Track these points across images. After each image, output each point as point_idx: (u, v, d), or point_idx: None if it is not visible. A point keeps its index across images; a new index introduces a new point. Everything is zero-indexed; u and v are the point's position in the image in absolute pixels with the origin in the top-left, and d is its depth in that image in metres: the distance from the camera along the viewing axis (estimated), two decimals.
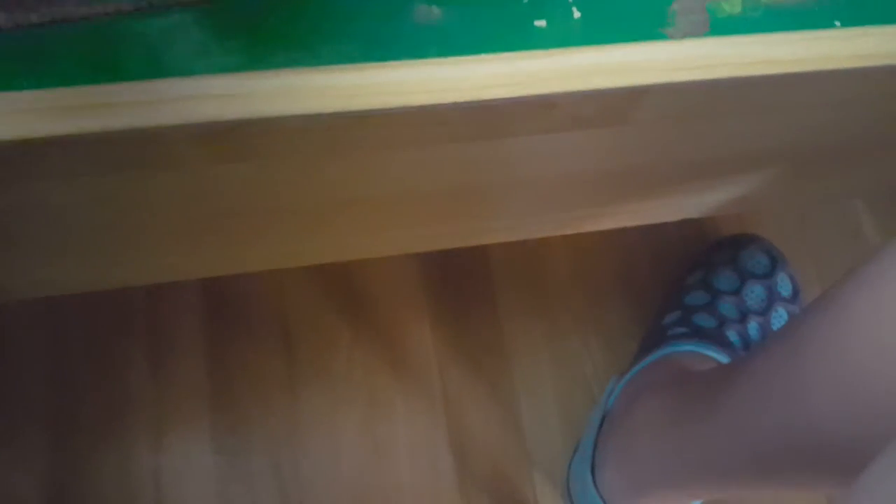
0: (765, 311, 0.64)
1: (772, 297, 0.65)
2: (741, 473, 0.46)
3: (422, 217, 0.33)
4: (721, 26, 0.26)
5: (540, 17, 0.25)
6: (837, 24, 0.26)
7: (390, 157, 0.27)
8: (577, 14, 0.25)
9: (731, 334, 0.63)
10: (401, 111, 0.24)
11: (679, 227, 0.71)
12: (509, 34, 0.25)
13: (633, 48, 0.25)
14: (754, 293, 0.65)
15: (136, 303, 0.63)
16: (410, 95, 0.24)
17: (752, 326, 0.64)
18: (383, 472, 0.61)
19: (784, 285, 0.65)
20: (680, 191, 0.35)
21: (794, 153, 0.33)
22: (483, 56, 0.25)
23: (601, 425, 0.60)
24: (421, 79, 0.24)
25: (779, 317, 0.64)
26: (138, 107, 0.22)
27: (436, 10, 0.25)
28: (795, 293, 0.66)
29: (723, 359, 0.60)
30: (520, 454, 0.63)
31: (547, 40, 0.25)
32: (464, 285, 0.67)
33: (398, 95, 0.24)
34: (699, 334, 0.62)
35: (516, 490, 0.62)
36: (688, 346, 0.61)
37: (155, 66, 0.23)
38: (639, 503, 0.55)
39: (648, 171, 0.32)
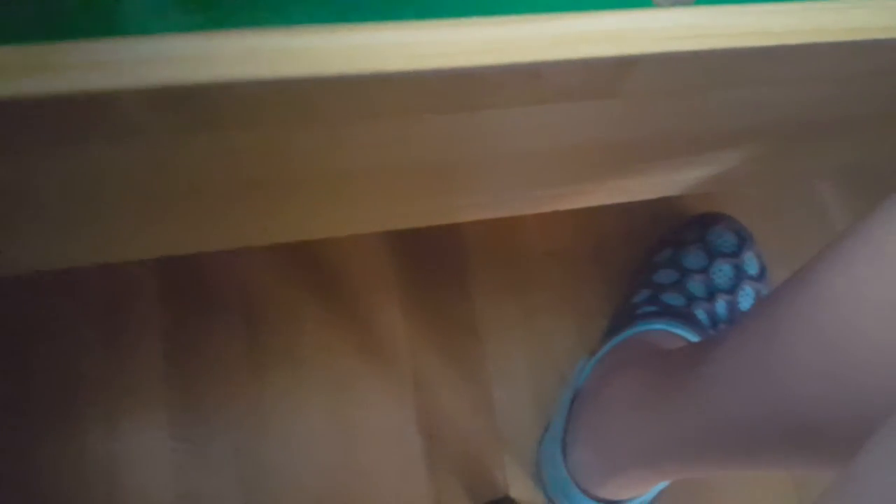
0: (732, 290, 0.64)
1: (739, 276, 0.65)
2: (714, 451, 0.46)
3: (396, 193, 0.32)
4: None
5: None
6: None
7: (365, 129, 0.25)
8: None
9: (700, 312, 0.63)
10: (377, 77, 0.22)
11: (649, 206, 0.71)
12: None
13: (622, 16, 0.24)
14: (722, 272, 0.65)
15: (89, 281, 0.60)
16: (387, 61, 0.22)
17: (720, 304, 0.64)
18: (350, 457, 0.60)
19: (751, 264, 0.65)
20: (662, 168, 0.34)
21: (780, 129, 0.32)
22: (465, 20, 0.23)
23: (572, 404, 0.59)
24: (398, 43, 0.22)
25: (746, 295, 0.65)
26: (86, 69, 0.20)
27: None
28: (762, 272, 0.66)
29: (692, 337, 0.60)
30: (491, 436, 0.62)
31: (531, 5, 0.24)
32: (435, 265, 0.66)
33: (374, 61, 0.22)
34: (668, 313, 0.61)
35: (486, 471, 0.61)
36: (657, 325, 0.60)
37: (106, 25, 0.21)
38: (609, 482, 0.55)
39: (633, 147, 0.31)
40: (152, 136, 0.23)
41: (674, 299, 0.63)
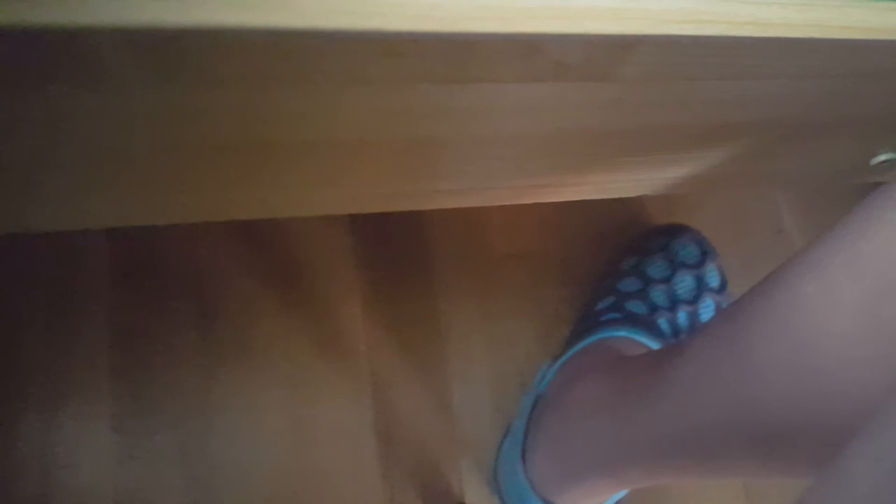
0: (694, 301, 0.65)
1: (701, 288, 0.65)
2: (677, 458, 0.46)
3: (377, 171, 0.30)
4: None
5: None
6: None
7: (354, 95, 0.24)
8: None
9: (662, 322, 0.63)
10: (374, 36, 0.21)
11: (614, 214, 0.71)
12: None
13: None
14: (684, 283, 0.65)
15: (35, 252, 0.57)
16: (386, 19, 0.21)
17: (682, 315, 0.64)
18: (302, 455, 0.58)
19: (713, 276, 0.66)
20: (646, 164, 0.34)
21: (764, 129, 0.32)
22: None
23: (533, 410, 0.58)
24: (400, 2, 0.21)
25: (707, 307, 0.65)
26: (59, 1, 0.19)
27: None
28: (723, 285, 0.67)
29: (654, 345, 0.60)
30: (448, 439, 0.61)
31: None
32: (400, 263, 0.64)
33: (373, 18, 0.21)
34: (631, 320, 0.61)
35: (442, 476, 0.60)
36: (621, 332, 0.60)
37: None
38: (568, 490, 0.54)
39: (620, 139, 0.30)
40: (125, 84, 0.22)
41: (637, 307, 0.63)
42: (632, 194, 0.38)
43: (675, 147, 0.32)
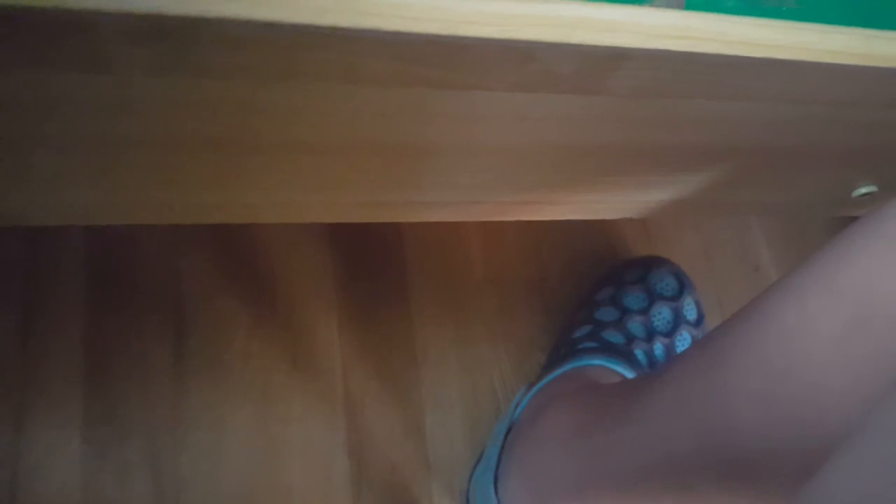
0: (670, 333, 0.65)
1: (678, 320, 0.66)
2: (650, 486, 0.46)
3: (359, 178, 0.30)
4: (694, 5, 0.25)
5: None
6: None
7: (345, 94, 0.24)
8: None
9: (639, 352, 0.63)
10: (370, 35, 0.22)
11: (592, 244, 0.72)
12: None
13: (619, 9, 0.24)
14: (662, 315, 0.66)
15: (11, 249, 0.56)
16: (384, 19, 0.21)
17: (658, 346, 0.64)
18: (272, 473, 0.57)
19: (690, 310, 0.66)
20: (630, 185, 0.34)
21: (748, 153, 0.32)
22: None
23: (506, 436, 0.58)
24: (399, 3, 0.22)
25: (683, 340, 0.65)
26: None
27: None
28: (700, 318, 0.67)
29: (630, 375, 0.60)
30: (420, 463, 0.60)
31: None
32: (377, 283, 0.64)
33: (369, 16, 0.21)
34: (608, 349, 0.62)
35: (413, 500, 0.59)
36: (597, 360, 0.60)
37: None
38: None
39: (608, 154, 0.31)
40: (121, 70, 0.22)
41: (614, 337, 0.63)
42: (614, 216, 0.39)
43: (658, 169, 0.33)
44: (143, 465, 0.54)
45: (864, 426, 0.24)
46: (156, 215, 0.32)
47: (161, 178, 0.29)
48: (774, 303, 0.39)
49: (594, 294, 0.68)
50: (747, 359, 0.40)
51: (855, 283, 0.35)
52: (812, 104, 0.29)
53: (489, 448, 0.59)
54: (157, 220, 0.34)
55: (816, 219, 0.79)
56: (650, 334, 0.65)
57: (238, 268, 0.61)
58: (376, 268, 0.65)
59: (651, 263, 0.68)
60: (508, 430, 0.58)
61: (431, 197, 0.34)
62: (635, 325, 0.65)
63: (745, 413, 0.39)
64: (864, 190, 0.38)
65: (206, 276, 0.60)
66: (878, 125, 0.31)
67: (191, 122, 0.25)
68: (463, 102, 0.26)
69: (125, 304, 0.57)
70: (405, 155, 0.29)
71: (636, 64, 0.25)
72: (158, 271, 0.59)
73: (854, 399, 0.35)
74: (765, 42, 0.25)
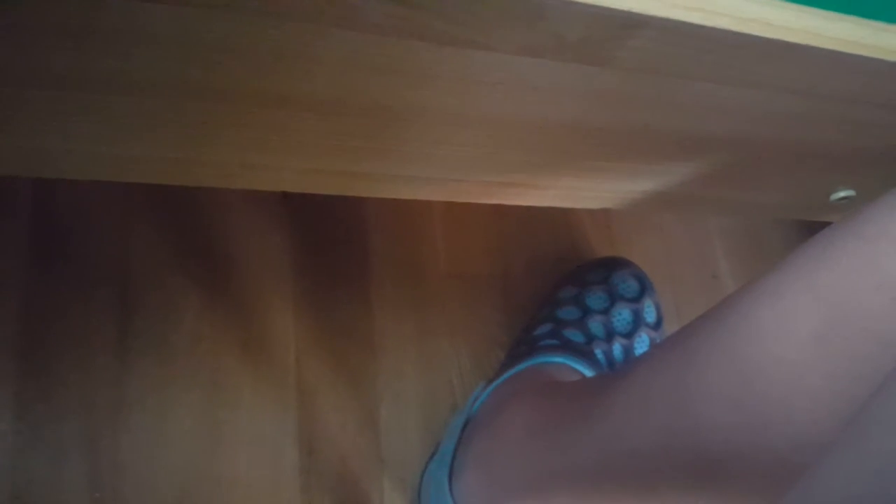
0: (629, 335, 0.65)
1: (637, 322, 0.66)
2: (611, 484, 0.45)
3: (341, 142, 0.29)
4: None
5: None
6: None
7: (339, 40, 0.22)
8: None
9: (598, 352, 0.63)
10: None
11: (557, 244, 0.71)
12: None
13: None
14: (622, 316, 0.65)
15: None
16: None
17: (617, 347, 0.64)
18: (217, 462, 0.54)
19: (650, 312, 0.66)
20: (618, 172, 0.33)
21: (741, 146, 0.32)
22: None
23: (463, 430, 0.57)
24: None
25: (641, 342, 0.65)
26: None
27: None
28: (659, 321, 0.67)
29: (590, 374, 0.59)
30: (372, 456, 0.58)
31: None
32: (338, 270, 0.62)
33: None
34: (569, 347, 0.61)
35: (363, 494, 0.57)
36: (557, 358, 0.60)
37: None
38: None
39: (603, 137, 0.30)
40: None
41: (575, 335, 0.63)
42: (595, 206, 0.38)
43: (649, 157, 0.32)
44: (80, 447, 0.51)
45: (861, 421, 0.24)
46: (105, 170, 0.29)
47: (146, 123, 0.26)
48: (749, 303, 0.39)
49: (556, 292, 0.67)
50: (719, 357, 0.39)
51: (833, 283, 0.34)
52: (811, 97, 0.28)
53: (444, 442, 0.58)
54: (104, 176, 0.31)
55: (776, 230, 0.81)
56: (610, 334, 0.64)
57: (191, 245, 0.58)
58: (337, 254, 0.63)
59: (614, 265, 0.67)
60: (465, 425, 0.57)
61: (414, 171, 0.32)
62: (596, 324, 0.64)
63: (713, 413, 0.39)
64: (842, 194, 0.38)
65: (156, 252, 0.57)
66: (869, 127, 0.31)
67: (167, 61, 0.23)
68: (462, 63, 0.24)
69: (69, 276, 0.54)
70: (393, 119, 0.27)
71: (647, 34, 0.24)
72: (106, 244, 0.56)
73: (826, 400, 0.34)
74: (777, 23, 0.25)
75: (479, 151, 0.30)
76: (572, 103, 0.27)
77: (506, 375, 0.59)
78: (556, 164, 0.33)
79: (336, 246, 0.63)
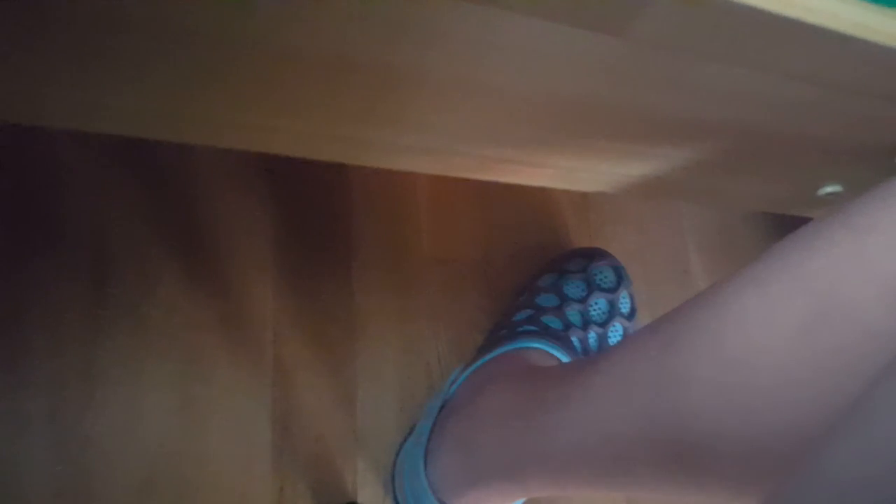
0: (604, 324, 0.65)
1: (613, 312, 0.66)
2: (588, 467, 0.45)
3: (342, 104, 0.28)
4: None
5: None
6: None
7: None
8: None
9: (575, 340, 0.63)
10: None
11: (539, 233, 0.71)
12: None
13: None
14: (598, 305, 0.66)
15: None
16: None
17: (592, 336, 0.64)
18: (188, 437, 0.53)
19: (625, 303, 0.67)
20: (617, 152, 0.33)
21: (736, 132, 0.32)
22: None
23: (440, 412, 0.56)
24: None
25: (615, 331, 0.66)
26: None
27: None
28: (633, 312, 0.68)
29: (567, 360, 0.60)
30: (347, 437, 0.58)
31: None
32: (320, 248, 0.61)
33: None
34: (547, 333, 0.61)
35: (337, 473, 0.57)
36: (536, 343, 0.60)
37: None
38: (469, 493, 0.52)
39: (608, 114, 0.30)
40: None
41: (553, 322, 0.63)
42: (591, 189, 0.38)
43: (650, 139, 0.32)
44: (45, 419, 0.49)
45: (863, 407, 0.24)
46: (114, 122, 0.28)
47: (119, 69, 0.25)
48: (734, 291, 0.39)
49: (536, 280, 0.67)
50: (702, 344, 0.39)
51: (821, 273, 0.34)
52: (820, 85, 0.28)
53: (421, 423, 0.58)
54: (96, 127, 0.30)
55: (747, 227, 0.82)
56: (586, 323, 0.65)
57: (169, 212, 0.57)
58: (320, 232, 0.62)
59: (593, 255, 0.68)
60: (442, 407, 0.57)
61: (413, 141, 0.32)
62: (573, 313, 0.65)
63: (694, 398, 0.39)
64: (829, 189, 0.38)
65: (133, 218, 0.56)
66: (867, 121, 0.32)
67: (195, 18, 0.22)
68: (477, 22, 0.24)
69: (39, 238, 0.52)
70: (398, 81, 0.27)
71: (667, 5, 0.24)
72: (81, 207, 0.54)
73: (810, 390, 0.35)
74: (797, 2, 0.25)
75: (481, 123, 0.30)
76: (582, 75, 0.27)
77: (484, 359, 0.59)
78: (558, 142, 0.32)
79: (320, 224, 0.62)
